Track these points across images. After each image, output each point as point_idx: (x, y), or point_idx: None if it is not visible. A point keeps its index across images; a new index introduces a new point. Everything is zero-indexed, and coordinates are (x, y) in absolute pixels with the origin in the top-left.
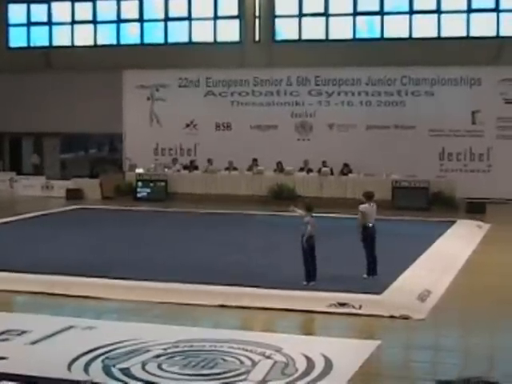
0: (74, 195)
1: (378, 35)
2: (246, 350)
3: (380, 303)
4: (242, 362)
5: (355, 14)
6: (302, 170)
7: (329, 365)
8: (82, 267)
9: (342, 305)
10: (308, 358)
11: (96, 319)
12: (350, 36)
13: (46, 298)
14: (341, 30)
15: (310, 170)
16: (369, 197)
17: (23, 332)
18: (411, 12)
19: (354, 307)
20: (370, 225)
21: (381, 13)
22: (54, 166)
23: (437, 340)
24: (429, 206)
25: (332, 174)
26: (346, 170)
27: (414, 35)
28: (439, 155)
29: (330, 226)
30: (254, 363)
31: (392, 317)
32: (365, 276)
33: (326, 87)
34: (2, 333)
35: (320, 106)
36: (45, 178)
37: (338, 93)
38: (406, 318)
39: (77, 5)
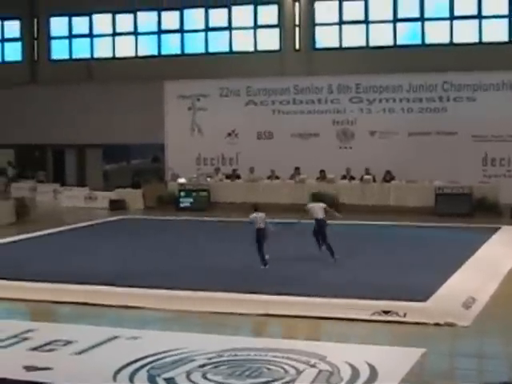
0: (116, 206)
1: (418, 41)
2: (291, 359)
3: (425, 311)
4: (286, 371)
5: (395, 20)
6: (344, 177)
7: (374, 373)
8: (125, 277)
9: (387, 312)
10: (353, 367)
11: (140, 329)
12: (390, 43)
13: (90, 309)
14: (381, 36)
15: (352, 178)
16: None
17: (68, 342)
18: (452, 17)
19: (398, 315)
20: (319, 218)
21: (421, 19)
22: (96, 177)
23: (482, 347)
24: (472, 212)
25: (374, 181)
26: (388, 177)
27: (455, 41)
28: (482, 161)
29: (372, 233)
30: (299, 372)
31: (437, 324)
32: (332, 259)
33: (367, 94)
34: (48, 343)
35: (361, 114)
36: (88, 189)
37: (379, 100)
38: (450, 325)
39: (118, 16)
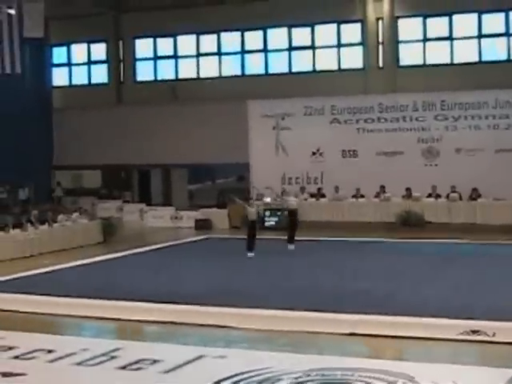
0: (202, 225)
1: (504, 57)
2: (378, 379)
3: None
4: None
5: (480, 36)
6: (430, 195)
7: None
8: (211, 296)
9: (475, 332)
10: None
11: (226, 348)
12: (475, 59)
13: (177, 328)
14: (466, 52)
15: (438, 196)
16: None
17: (155, 361)
18: None
19: (487, 334)
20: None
21: (506, 34)
22: (181, 197)
23: None
24: None
25: (461, 199)
26: (474, 194)
27: None
28: None
29: (459, 251)
30: None
31: None
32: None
33: (452, 111)
34: (135, 362)
35: (446, 131)
36: (174, 209)
37: (464, 117)
38: None
39: (201, 37)
